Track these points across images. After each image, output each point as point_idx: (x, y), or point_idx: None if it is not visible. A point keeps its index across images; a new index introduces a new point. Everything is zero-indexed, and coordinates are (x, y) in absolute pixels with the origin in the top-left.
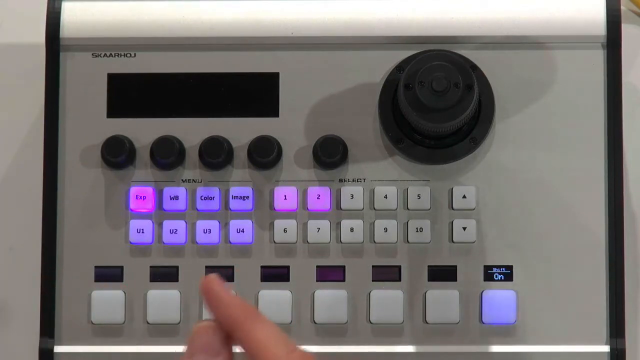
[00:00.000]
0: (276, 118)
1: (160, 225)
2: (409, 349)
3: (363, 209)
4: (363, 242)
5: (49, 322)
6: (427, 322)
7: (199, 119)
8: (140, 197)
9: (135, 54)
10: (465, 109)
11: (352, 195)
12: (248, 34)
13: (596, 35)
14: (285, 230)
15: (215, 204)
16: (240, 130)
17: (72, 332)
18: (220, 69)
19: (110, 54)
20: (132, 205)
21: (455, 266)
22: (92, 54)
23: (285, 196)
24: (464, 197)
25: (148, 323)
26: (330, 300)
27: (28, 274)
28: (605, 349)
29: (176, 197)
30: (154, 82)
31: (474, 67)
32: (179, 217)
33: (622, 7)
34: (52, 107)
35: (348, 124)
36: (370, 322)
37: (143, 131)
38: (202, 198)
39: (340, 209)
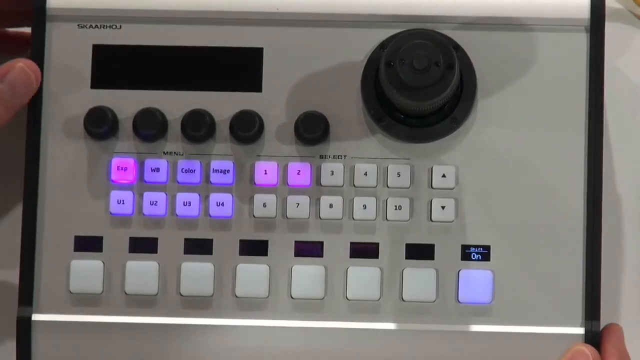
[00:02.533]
0: (259, 93)
1: (141, 196)
2: (385, 326)
3: (343, 185)
4: (342, 218)
5: (28, 290)
6: (403, 300)
7: (183, 92)
8: (122, 169)
9: (121, 26)
10: (445, 87)
11: (333, 171)
12: (234, 9)
13: (580, 19)
14: (264, 205)
15: (196, 177)
16: (223, 104)
17: (51, 300)
18: (205, 43)
19: (96, 25)
20: (113, 176)
21: (433, 245)
22: (78, 25)
23: (265, 171)
24: (444, 176)
25: (126, 294)
26: (307, 276)
27: None
28: (580, 330)
29: (157, 169)
30: (139, 54)
31: (457, 47)
32: (159, 189)
33: (620, 7)
34: None
35: (330, 100)
36: (347, 299)
37: (126, 103)
38: (183, 171)
39: (320, 185)
